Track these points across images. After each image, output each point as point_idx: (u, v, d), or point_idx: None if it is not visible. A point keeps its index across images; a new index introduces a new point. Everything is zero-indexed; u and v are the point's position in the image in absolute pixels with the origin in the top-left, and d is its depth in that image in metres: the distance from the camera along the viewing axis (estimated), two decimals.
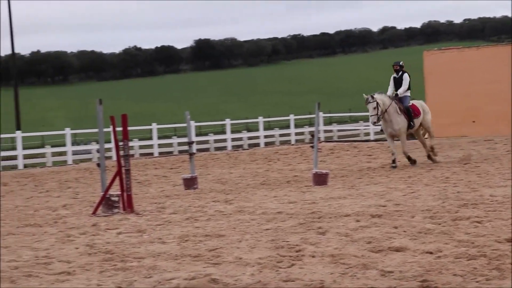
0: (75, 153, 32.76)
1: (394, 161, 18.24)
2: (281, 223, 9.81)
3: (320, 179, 15.11)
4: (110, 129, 13.06)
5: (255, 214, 10.87)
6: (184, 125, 18.54)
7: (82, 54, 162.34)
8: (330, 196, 12.89)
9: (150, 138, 36.20)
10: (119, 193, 12.20)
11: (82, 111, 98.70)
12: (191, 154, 16.60)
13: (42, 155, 33.51)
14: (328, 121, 57.32)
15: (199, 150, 32.34)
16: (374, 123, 18.78)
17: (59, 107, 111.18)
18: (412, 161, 18.53)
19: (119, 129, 12.86)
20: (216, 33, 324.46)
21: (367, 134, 41.40)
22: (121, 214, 11.77)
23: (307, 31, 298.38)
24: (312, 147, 16.58)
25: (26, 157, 31.09)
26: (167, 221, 10.61)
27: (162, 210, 12.11)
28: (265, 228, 9.42)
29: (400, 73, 19.11)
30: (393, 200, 11.79)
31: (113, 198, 12.09)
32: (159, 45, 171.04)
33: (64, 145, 33.23)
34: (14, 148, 32.28)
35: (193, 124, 33.28)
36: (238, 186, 16.12)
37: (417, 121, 19.04)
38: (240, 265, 7.18)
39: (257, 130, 41.29)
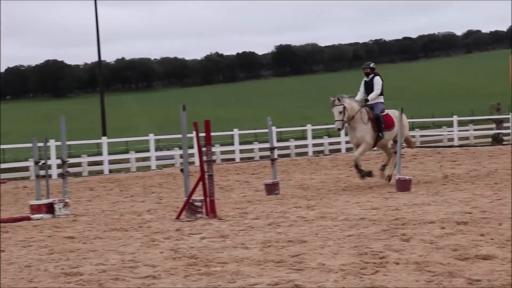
0: (158, 158, 33.26)
1: (370, 173, 16.40)
2: (364, 230, 9.73)
3: (403, 185, 14.92)
4: (193, 134, 13.23)
5: (338, 220, 10.81)
6: (265, 130, 18.61)
7: (165, 61, 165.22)
8: (414, 202, 12.71)
9: (232, 144, 36.45)
10: (202, 198, 12.32)
11: (165, 117, 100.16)
12: (273, 160, 16.63)
13: (127, 161, 34.16)
14: (411, 127, 56.54)
15: (280, 156, 32.38)
16: (338, 130, 16.73)
17: (143, 113, 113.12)
18: (362, 172, 16.38)
19: (202, 134, 13.00)
20: (297, 39, 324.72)
21: (451, 139, 40.70)
22: (204, 219, 11.88)
23: (389, 36, 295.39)
24: (395, 153, 16.39)
25: (111, 162, 31.76)
26: (250, 227, 10.66)
27: (245, 215, 12.16)
28: (348, 234, 9.36)
29: (371, 76, 17.01)
30: (479, 207, 11.53)
31: (196, 203, 12.23)
32: (240, 51, 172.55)
33: (148, 150, 33.80)
34: (100, 154, 33.00)
35: (274, 129, 33.37)
36: (320, 192, 16.07)
37: (388, 134, 16.80)
38: (323, 271, 7.14)
39: (338, 135, 41.07)
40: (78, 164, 31.91)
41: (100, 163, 31.77)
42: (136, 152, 35.81)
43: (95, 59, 55.46)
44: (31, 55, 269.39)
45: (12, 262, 8.39)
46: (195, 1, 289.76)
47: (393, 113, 17.07)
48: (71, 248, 9.28)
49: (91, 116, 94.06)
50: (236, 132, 35.17)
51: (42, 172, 14.55)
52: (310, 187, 17.28)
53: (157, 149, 33.53)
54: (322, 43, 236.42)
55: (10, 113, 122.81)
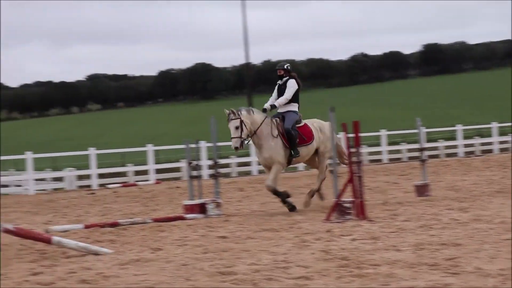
0: None
1: (285, 201, 13.90)
2: None
3: None
4: (341, 135, 13.17)
5: (493, 223, 10.46)
6: (413, 131, 18.31)
7: (311, 62, 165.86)
8: None
9: (379, 145, 36.08)
10: (352, 199, 12.27)
11: (311, 118, 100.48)
12: (423, 161, 16.32)
13: None
14: None
15: (429, 157, 31.72)
16: (236, 149, 13.80)
17: None
18: (282, 196, 13.88)
19: (350, 135, 12.93)
20: (444, 37, 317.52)
21: None
22: (354, 220, 11.82)
23: None
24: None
25: (259, 163, 32.15)
26: (401, 229, 10.51)
27: (395, 217, 12.01)
28: (505, 238, 9.04)
29: (286, 78, 14.29)
30: None
31: (345, 205, 12.20)
32: (386, 51, 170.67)
33: None
34: (248, 155, 33.53)
35: (423, 130, 32.74)
36: (473, 193, 15.60)
37: (306, 149, 14.18)
38: (480, 276, 6.94)
39: (490, 136, 39.80)
40: (227, 165, 32.56)
41: (248, 164, 32.27)
42: None
43: (242, 61, 56.49)
44: (182, 59, 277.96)
45: (170, 261, 8.68)
46: (340, 1, 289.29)
47: (313, 123, 14.63)
48: (224, 248, 9.49)
49: None
50: (383, 132, 34.80)
51: (194, 173, 14.96)
52: (462, 189, 16.82)
53: None
54: (472, 40, 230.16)
55: (163, 115, 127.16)
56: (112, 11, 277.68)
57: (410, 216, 11.97)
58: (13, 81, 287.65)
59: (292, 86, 14.17)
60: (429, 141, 42.79)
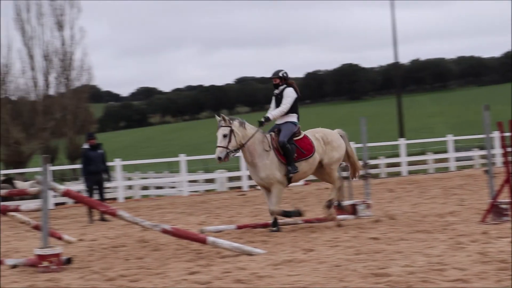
0: (457, 159, 32.56)
1: (275, 223, 12.40)
2: None
3: None
4: (496, 134, 12.75)
5: None
6: None
7: (461, 60, 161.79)
8: None
9: None
10: (509, 200, 11.84)
11: (461, 117, 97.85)
12: None
13: (424, 162, 33.82)
14: None
15: None
16: (219, 159, 12.27)
17: (439, 114, 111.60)
18: (295, 215, 12.50)
19: (505, 134, 12.47)
20: None
21: None
22: (511, 222, 11.40)
23: None
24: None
25: (409, 163, 31.66)
26: None
27: None
28: None
29: (283, 87, 12.76)
30: None
31: (502, 206, 11.79)
32: None
33: (445, 151, 33.24)
34: (396, 155, 33.10)
35: None
36: None
37: (306, 163, 12.61)
38: None
39: None
40: (376, 166, 32.21)
41: (397, 164, 31.81)
42: (434, 153, 35.34)
43: (390, 61, 55.98)
44: (328, 60, 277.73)
45: (322, 262, 8.70)
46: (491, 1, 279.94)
47: (315, 133, 13.02)
48: (376, 249, 9.41)
49: (386, 117, 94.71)
50: None
51: (344, 174, 14.88)
52: None
53: (455, 149, 32.83)
54: None
55: (309, 116, 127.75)
56: (259, 15, 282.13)
57: None
58: (165, 86, 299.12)
59: (289, 95, 12.64)
60: None
